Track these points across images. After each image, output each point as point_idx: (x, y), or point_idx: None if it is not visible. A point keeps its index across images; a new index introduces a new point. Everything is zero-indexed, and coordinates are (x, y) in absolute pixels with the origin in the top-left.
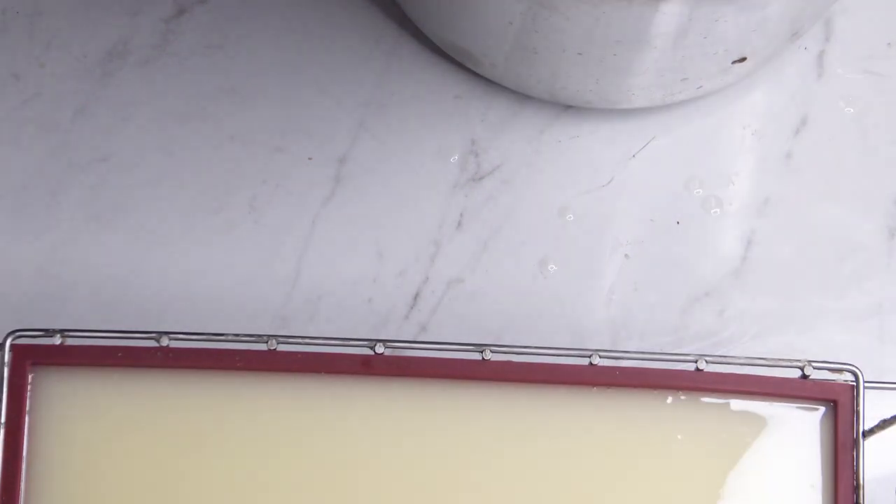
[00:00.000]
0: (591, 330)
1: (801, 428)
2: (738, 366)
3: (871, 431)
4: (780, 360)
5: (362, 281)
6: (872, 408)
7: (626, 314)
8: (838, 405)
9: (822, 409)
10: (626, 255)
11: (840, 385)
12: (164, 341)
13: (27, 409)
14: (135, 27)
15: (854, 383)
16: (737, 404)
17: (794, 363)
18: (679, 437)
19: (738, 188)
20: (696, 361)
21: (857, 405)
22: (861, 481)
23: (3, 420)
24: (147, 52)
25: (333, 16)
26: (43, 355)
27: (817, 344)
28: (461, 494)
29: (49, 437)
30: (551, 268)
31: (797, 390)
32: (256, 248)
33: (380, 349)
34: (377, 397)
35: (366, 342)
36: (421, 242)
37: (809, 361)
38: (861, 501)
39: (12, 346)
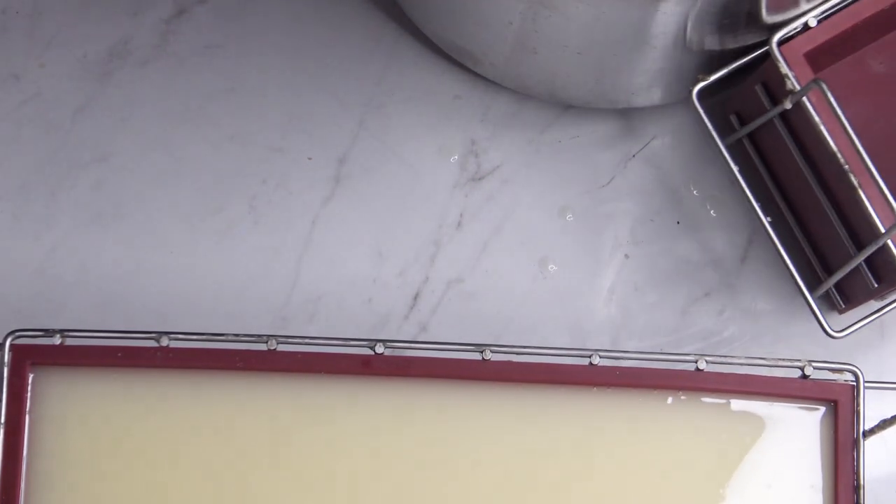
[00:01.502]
0: (591, 330)
1: (801, 428)
2: (738, 366)
3: (871, 431)
4: (780, 360)
5: (362, 281)
6: (872, 408)
7: (626, 314)
8: (838, 405)
9: (822, 409)
10: (626, 256)
11: (840, 385)
12: (164, 341)
13: (27, 409)
14: (135, 27)
15: (854, 383)
16: (737, 404)
17: (794, 363)
18: (679, 437)
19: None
20: (696, 361)
21: (857, 405)
22: (861, 481)
23: (3, 420)
24: (147, 52)
25: (333, 16)
26: (43, 355)
27: (817, 344)
28: (461, 493)
29: (49, 437)
30: (551, 268)
31: (797, 390)
32: (256, 248)
33: (380, 349)
34: (377, 397)
35: (366, 342)
36: (421, 242)
37: (809, 361)
38: (861, 501)
39: (12, 346)
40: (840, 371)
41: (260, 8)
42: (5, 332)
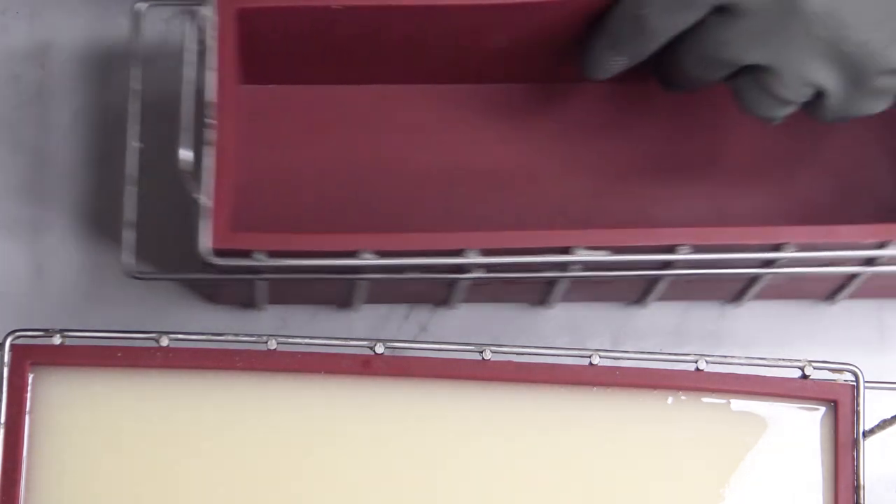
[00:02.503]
0: (591, 330)
1: (801, 428)
2: (738, 366)
3: (871, 431)
4: (780, 360)
5: None
6: (872, 408)
7: (627, 314)
8: (838, 405)
9: (822, 409)
10: None
11: (840, 385)
12: (164, 341)
13: (27, 409)
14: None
15: (854, 383)
16: (737, 404)
17: (794, 363)
18: (679, 437)
19: None
20: (696, 361)
21: (857, 405)
22: (861, 481)
23: (3, 420)
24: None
25: None
26: (43, 355)
27: (817, 344)
28: (461, 494)
29: (49, 437)
30: None
31: (797, 390)
32: None
33: (380, 349)
34: (377, 397)
35: (366, 342)
36: None
37: (809, 361)
38: (861, 501)
39: (12, 346)
40: (840, 371)
41: None
42: (5, 332)
